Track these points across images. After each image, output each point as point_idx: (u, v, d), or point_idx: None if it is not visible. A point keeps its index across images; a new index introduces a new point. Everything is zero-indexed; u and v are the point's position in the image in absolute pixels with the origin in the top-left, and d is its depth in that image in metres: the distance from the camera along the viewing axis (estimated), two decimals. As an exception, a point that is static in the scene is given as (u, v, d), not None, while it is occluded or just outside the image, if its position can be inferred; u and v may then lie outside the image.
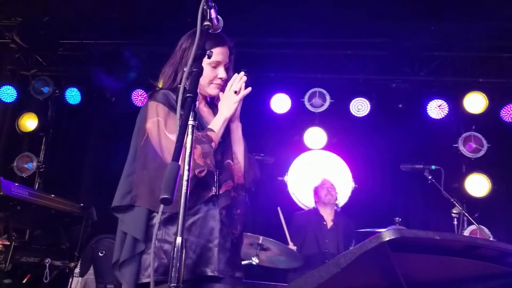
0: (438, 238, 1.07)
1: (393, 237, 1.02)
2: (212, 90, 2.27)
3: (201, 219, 2.09)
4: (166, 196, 1.30)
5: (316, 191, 5.13)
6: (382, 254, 1.05)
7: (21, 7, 6.25)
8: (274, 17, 5.71)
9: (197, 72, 1.63)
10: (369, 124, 6.04)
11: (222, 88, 2.27)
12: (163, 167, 1.91)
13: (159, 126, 2.08)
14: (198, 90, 2.23)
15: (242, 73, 2.20)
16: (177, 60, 2.26)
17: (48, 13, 6.24)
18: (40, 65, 6.78)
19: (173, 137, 2.03)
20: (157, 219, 1.75)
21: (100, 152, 6.63)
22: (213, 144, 2.08)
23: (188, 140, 1.52)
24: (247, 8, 5.58)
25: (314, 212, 5.05)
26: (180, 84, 2.10)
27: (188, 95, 1.54)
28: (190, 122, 1.52)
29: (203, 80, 2.23)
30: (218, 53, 2.21)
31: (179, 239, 1.44)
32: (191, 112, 1.51)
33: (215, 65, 2.24)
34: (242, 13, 5.50)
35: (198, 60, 1.67)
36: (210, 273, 2.04)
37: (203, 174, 2.01)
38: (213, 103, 2.38)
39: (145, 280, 1.99)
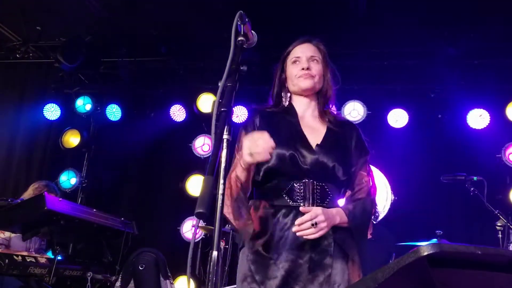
0: (480, 252, 1.03)
1: (432, 252, 0.99)
2: (303, 83, 2.23)
3: (291, 233, 2.02)
4: (200, 211, 1.31)
5: None
6: (420, 269, 1.02)
7: (65, 28, 6.50)
8: (307, 30, 5.71)
9: (231, 86, 1.65)
10: (407, 135, 5.93)
11: (313, 78, 2.23)
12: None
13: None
14: (292, 95, 2.31)
15: None
16: (274, 81, 2.37)
17: (90, 33, 6.47)
18: (82, 83, 7.02)
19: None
20: (193, 231, 1.75)
21: (140, 167, 6.77)
22: None
23: (223, 154, 1.53)
24: (280, 21, 5.63)
25: None
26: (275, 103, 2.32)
27: (222, 109, 1.56)
28: (225, 136, 1.53)
29: (291, 81, 2.27)
30: (297, 50, 2.29)
31: (214, 253, 1.44)
32: (226, 126, 1.53)
33: (295, 60, 2.27)
34: (275, 27, 5.55)
35: (232, 75, 1.69)
36: None
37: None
38: (327, 111, 2.32)
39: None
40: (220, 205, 1.47)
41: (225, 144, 1.53)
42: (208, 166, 1.40)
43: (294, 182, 2.08)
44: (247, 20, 1.83)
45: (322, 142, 2.17)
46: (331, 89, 2.30)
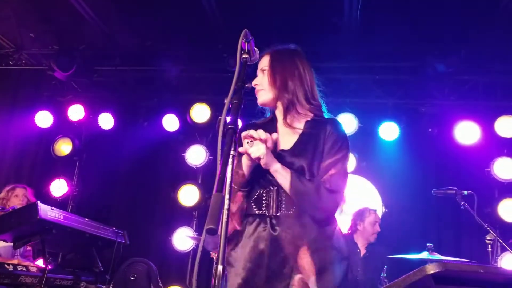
0: (482, 271, 1.07)
1: (437, 270, 1.03)
2: (257, 99, 2.29)
3: (251, 242, 2.04)
4: (211, 227, 1.34)
5: (360, 221, 4.98)
6: (426, 287, 1.06)
7: (58, 36, 6.50)
8: (300, 42, 5.77)
9: (237, 104, 1.68)
10: (398, 148, 6.00)
11: (262, 91, 2.25)
12: None
13: None
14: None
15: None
16: None
17: (84, 42, 6.48)
18: (75, 91, 7.00)
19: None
20: (200, 244, 1.71)
21: (131, 177, 6.75)
22: None
23: (228, 170, 1.55)
24: (273, 35, 5.68)
25: (349, 238, 4.97)
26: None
27: (229, 126, 1.59)
28: (232, 152, 1.56)
29: None
30: None
31: (220, 267, 1.46)
32: (232, 143, 1.55)
33: None
34: (268, 41, 5.59)
35: (238, 92, 1.72)
36: None
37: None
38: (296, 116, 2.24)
39: None
40: (226, 219, 1.49)
41: (230, 160, 1.56)
42: (216, 183, 1.43)
43: (261, 190, 2.10)
44: (251, 38, 1.88)
45: (290, 148, 2.15)
46: (289, 93, 2.20)
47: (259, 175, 2.10)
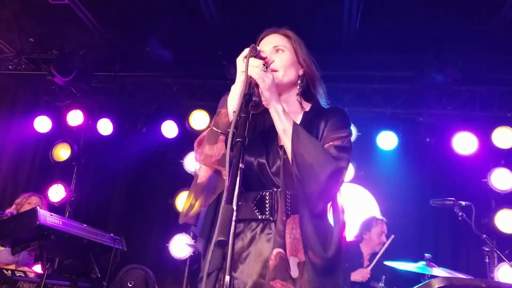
0: (484, 285, 1.10)
1: (442, 285, 1.06)
2: None
3: (255, 249, 1.91)
4: (222, 239, 1.34)
5: (366, 230, 5.04)
6: (433, 301, 1.09)
7: (58, 41, 6.51)
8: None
9: (245, 117, 1.66)
10: (396, 158, 6.04)
11: (276, 72, 2.03)
12: None
13: None
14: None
15: None
16: None
17: (84, 47, 6.49)
18: (74, 97, 7.01)
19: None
20: (208, 255, 1.59)
21: (129, 183, 6.75)
22: None
23: (237, 182, 1.56)
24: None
25: (355, 246, 5.01)
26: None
27: (238, 139, 1.59)
28: (240, 165, 1.55)
29: None
30: (261, 45, 2.18)
31: (227, 278, 1.46)
32: (241, 156, 1.56)
33: None
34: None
35: (245, 105, 1.71)
36: None
37: None
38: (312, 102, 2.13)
39: None
40: (233, 231, 1.49)
41: (238, 172, 1.56)
42: (226, 195, 1.44)
43: (263, 192, 1.94)
44: (257, 52, 1.90)
45: None
46: (312, 75, 2.14)
47: (261, 175, 1.94)
